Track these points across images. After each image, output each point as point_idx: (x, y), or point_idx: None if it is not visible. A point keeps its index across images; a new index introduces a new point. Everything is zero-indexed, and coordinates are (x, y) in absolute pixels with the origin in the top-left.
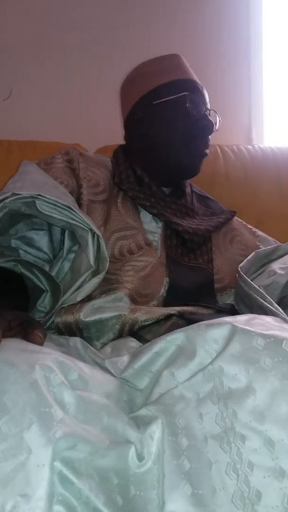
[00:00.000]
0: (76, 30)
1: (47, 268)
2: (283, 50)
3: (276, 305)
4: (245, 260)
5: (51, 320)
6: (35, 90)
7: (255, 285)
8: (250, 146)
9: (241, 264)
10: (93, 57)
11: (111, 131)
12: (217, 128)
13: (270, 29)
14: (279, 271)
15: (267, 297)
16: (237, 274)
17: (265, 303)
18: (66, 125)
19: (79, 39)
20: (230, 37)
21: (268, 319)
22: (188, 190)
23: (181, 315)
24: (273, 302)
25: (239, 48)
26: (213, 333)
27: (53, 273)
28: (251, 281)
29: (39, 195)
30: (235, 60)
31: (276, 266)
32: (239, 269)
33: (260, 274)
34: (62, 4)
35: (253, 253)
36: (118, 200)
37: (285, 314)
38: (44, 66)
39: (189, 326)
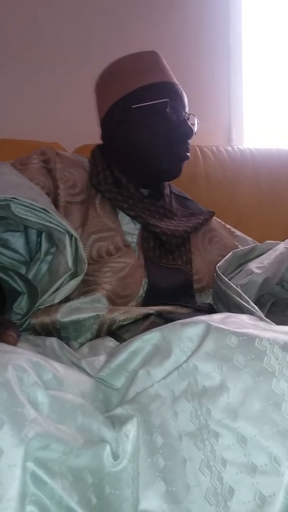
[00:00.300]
0: (53, 28)
1: (23, 270)
2: (263, 53)
3: (253, 304)
4: (222, 260)
5: (28, 321)
6: (12, 89)
7: (232, 284)
8: (229, 148)
9: (218, 264)
10: (71, 55)
11: (90, 130)
12: (195, 131)
13: (249, 31)
14: (256, 270)
15: (243, 296)
16: (214, 274)
17: (242, 301)
18: (45, 124)
19: (57, 37)
20: (210, 39)
21: (243, 317)
22: (167, 191)
23: (159, 315)
24: (250, 300)
25: (219, 50)
26: (188, 332)
27: (31, 276)
28: (229, 280)
29: (14, 198)
30: (215, 62)
31: (253, 265)
32: (217, 269)
33: (237, 274)
34: (37, 2)
35: (230, 253)
36: (96, 201)
37: (261, 313)
38: (21, 64)
39: (165, 325)
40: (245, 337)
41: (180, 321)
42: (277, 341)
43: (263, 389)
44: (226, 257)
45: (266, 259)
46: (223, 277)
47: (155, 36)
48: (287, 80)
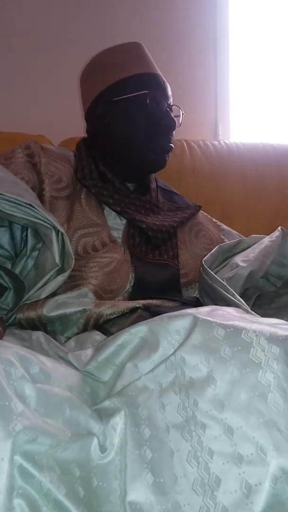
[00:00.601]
0: (39, 20)
1: (8, 265)
2: (249, 47)
3: (238, 297)
4: (208, 254)
5: (13, 316)
6: None
7: (218, 278)
8: (216, 142)
9: (205, 258)
10: (57, 47)
11: (76, 123)
12: (180, 123)
13: (236, 25)
14: (241, 264)
15: (229, 289)
16: (201, 268)
17: (228, 295)
18: (30, 116)
19: (42, 30)
20: (196, 33)
21: (230, 310)
22: (153, 185)
23: (146, 308)
24: (235, 294)
25: (205, 45)
26: (175, 325)
27: (17, 271)
28: (215, 274)
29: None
30: (201, 57)
31: (238, 259)
32: (203, 263)
33: (223, 267)
34: None
35: (216, 247)
36: (82, 196)
37: (246, 305)
38: (7, 56)
39: (152, 318)
40: (231, 329)
41: (167, 314)
42: (263, 333)
43: (249, 381)
44: (212, 251)
45: (251, 253)
46: (209, 271)
47: (142, 30)
48: (273, 75)
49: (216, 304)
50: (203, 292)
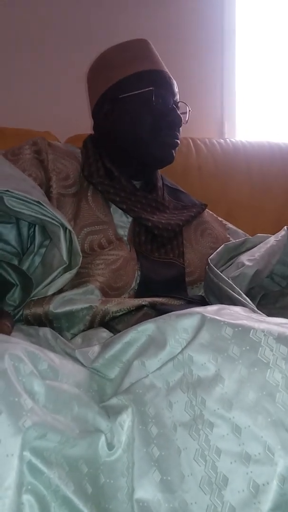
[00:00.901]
0: (47, 17)
1: (15, 261)
2: (256, 46)
3: (245, 296)
4: (214, 253)
5: (20, 312)
6: (5, 77)
7: (224, 276)
8: (222, 140)
9: (210, 257)
10: (65, 44)
11: (82, 120)
12: (186, 119)
13: (243, 24)
14: (247, 263)
15: (235, 288)
16: (206, 266)
17: (234, 294)
18: (37, 113)
19: (50, 27)
20: (203, 32)
21: (237, 309)
22: (159, 183)
23: (152, 306)
24: (242, 293)
25: (212, 43)
26: (183, 323)
27: (24, 268)
28: (220, 273)
29: (7, 190)
30: (208, 55)
31: (244, 258)
32: (209, 261)
33: (229, 266)
34: None
35: (222, 245)
36: (88, 194)
37: (253, 305)
38: (14, 53)
39: (160, 316)
40: (240, 329)
41: (175, 312)
42: (271, 333)
43: (257, 380)
44: (218, 249)
45: (257, 252)
46: (216, 269)
47: (148, 27)
48: (280, 74)
49: (222, 302)
50: (209, 290)
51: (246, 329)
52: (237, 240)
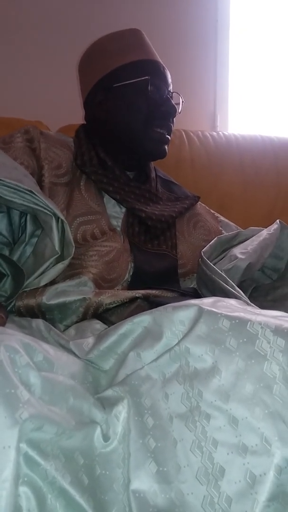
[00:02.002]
0: (38, 6)
1: (6, 251)
2: (249, 39)
3: (238, 289)
4: (207, 245)
5: (12, 304)
6: None
7: (217, 269)
8: (215, 133)
9: (204, 249)
10: (57, 33)
11: (74, 110)
12: (180, 110)
13: (237, 17)
14: (239, 256)
15: (229, 281)
16: (199, 259)
17: (227, 286)
18: (28, 102)
19: (42, 15)
20: (197, 24)
21: (232, 301)
22: (152, 174)
23: (145, 298)
24: (235, 285)
25: (206, 36)
26: (180, 315)
27: (15, 258)
28: (213, 265)
29: None
30: (201, 48)
31: (237, 251)
32: (202, 254)
33: (221, 259)
34: None
35: (215, 238)
36: (81, 183)
37: (246, 297)
38: (5, 42)
39: (156, 308)
40: (237, 321)
41: (171, 304)
42: (269, 325)
43: (255, 372)
44: (211, 242)
45: (249, 245)
46: (209, 262)
47: (142, 19)
48: (273, 68)
49: (214, 295)
50: (201, 283)
51: (244, 322)
52: (230, 233)
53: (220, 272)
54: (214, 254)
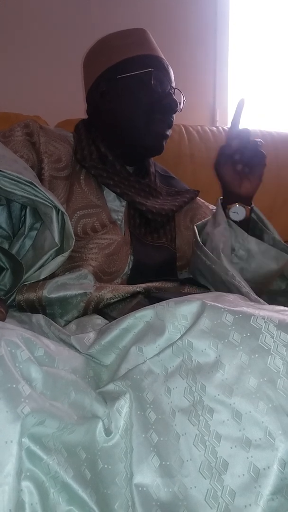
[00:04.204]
0: (38, 1)
1: (6, 245)
2: (249, 34)
3: (238, 279)
4: (196, 236)
5: (12, 298)
6: None
7: (217, 260)
8: (214, 128)
9: (199, 239)
10: (56, 29)
11: (72, 105)
12: (181, 107)
13: (236, 12)
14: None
15: (229, 271)
16: (197, 250)
17: (228, 277)
18: (26, 97)
19: (42, 10)
20: (197, 20)
21: (234, 296)
22: (152, 169)
23: (146, 293)
24: (235, 276)
25: (205, 31)
26: (182, 310)
27: (14, 251)
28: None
29: (0, 170)
30: (201, 43)
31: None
32: (199, 242)
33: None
34: None
35: (194, 226)
36: (81, 177)
37: (248, 287)
38: (5, 36)
39: (159, 303)
40: (240, 315)
41: (173, 299)
42: (272, 320)
43: (258, 366)
44: (195, 231)
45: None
46: (208, 251)
47: (142, 16)
48: (272, 63)
49: (214, 286)
50: (198, 273)
51: (247, 316)
52: (204, 220)
53: (221, 263)
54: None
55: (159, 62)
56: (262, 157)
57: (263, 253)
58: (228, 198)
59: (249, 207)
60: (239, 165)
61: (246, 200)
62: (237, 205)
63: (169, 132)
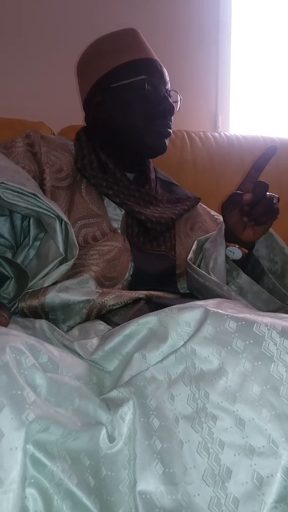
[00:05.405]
0: (39, 7)
1: (9, 254)
2: (251, 40)
3: (234, 293)
4: (190, 252)
5: (15, 305)
6: None
7: (209, 276)
8: (216, 134)
9: (189, 257)
10: (58, 34)
11: (76, 110)
12: (178, 108)
13: (238, 17)
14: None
15: (224, 286)
16: (188, 269)
17: (223, 292)
18: (30, 103)
19: (43, 16)
20: (198, 26)
21: (236, 303)
22: (152, 176)
23: (148, 299)
24: (230, 290)
25: (207, 36)
26: (185, 316)
27: (19, 261)
28: (198, 268)
29: (2, 183)
30: (203, 49)
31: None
32: (189, 262)
33: (202, 260)
34: None
35: (195, 242)
36: (82, 187)
37: (245, 301)
38: (7, 43)
39: (162, 309)
40: (243, 322)
41: (176, 305)
42: (275, 327)
43: (261, 373)
44: (192, 247)
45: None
46: (199, 269)
47: (143, 19)
48: (275, 68)
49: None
50: (195, 290)
51: (250, 323)
52: (208, 234)
53: (214, 279)
54: (199, 257)
55: (152, 65)
56: (274, 215)
57: (254, 294)
58: (228, 237)
59: (246, 251)
60: (246, 218)
61: (245, 245)
62: (236, 246)
63: (169, 131)
